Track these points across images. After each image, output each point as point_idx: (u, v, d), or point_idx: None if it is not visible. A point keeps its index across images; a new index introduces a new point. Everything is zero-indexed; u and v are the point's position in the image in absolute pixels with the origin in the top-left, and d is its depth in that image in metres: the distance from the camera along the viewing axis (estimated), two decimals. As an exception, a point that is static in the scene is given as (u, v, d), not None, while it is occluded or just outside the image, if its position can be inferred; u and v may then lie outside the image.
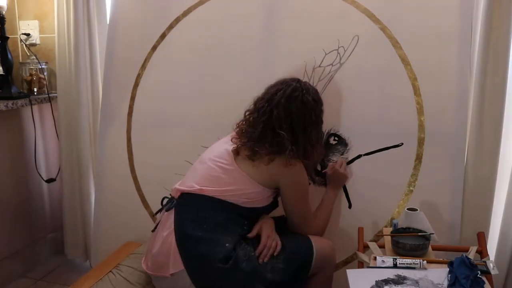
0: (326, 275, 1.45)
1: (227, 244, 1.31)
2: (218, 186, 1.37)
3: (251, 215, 1.43)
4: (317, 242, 1.43)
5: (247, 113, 1.48)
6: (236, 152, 1.41)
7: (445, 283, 1.23)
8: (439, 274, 1.26)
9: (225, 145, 1.47)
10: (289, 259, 1.36)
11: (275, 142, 1.38)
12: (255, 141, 1.39)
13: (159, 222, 1.44)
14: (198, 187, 1.38)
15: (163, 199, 1.50)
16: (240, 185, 1.38)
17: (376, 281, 1.23)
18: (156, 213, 1.49)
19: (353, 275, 1.27)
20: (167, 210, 1.40)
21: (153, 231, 1.45)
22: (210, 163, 1.42)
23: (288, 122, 1.40)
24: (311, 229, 1.48)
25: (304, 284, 1.43)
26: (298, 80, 1.48)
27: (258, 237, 1.40)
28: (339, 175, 1.61)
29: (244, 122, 1.47)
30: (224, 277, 1.29)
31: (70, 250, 2.27)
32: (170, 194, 1.47)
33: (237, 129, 1.48)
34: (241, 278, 1.29)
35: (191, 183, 1.41)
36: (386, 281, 1.23)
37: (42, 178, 2.25)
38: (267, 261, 1.33)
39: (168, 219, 1.38)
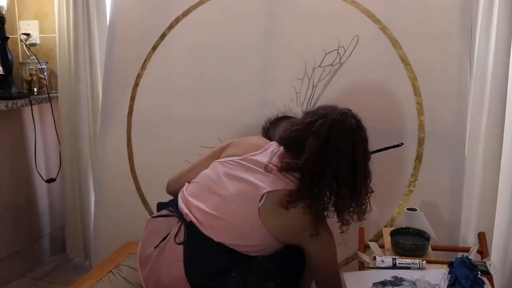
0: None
1: (235, 277, 1.23)
2: (236, 239, 1.21)
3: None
4: None
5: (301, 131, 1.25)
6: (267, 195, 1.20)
7: (442, 283, 1.23)
8: (436, 274, 1.26)
9: (256, 172, 1.24)
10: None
11: (315, 193, 1.19)
12: (300, 185, 1.19)
13: (164, 239, 1.28)
14: (213, 233, 1.21)
15: (161, 204, 1.39)
16: (259, 241, 1.22)
17: (374, 283, 1.22)
18: (156, 216, 1.34)
19: (350, 277, 1.27)
20: (178, 243, 1.25)
21: (156, 247, 1.29)
22: (233, 205, 1.23)
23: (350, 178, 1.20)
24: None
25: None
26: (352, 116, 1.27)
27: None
28: None
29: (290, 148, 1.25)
30: None
31: (71, 250, 2.27)
32: (172, 201, 1.35)
33: (281, 152, 1.26)
34: None
35: (205, 217, 1.24)
36: (384, 283, 1.23)
37: (42, 178, 2.25)
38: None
39: (176, 253, 1.25)
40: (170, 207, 1.35)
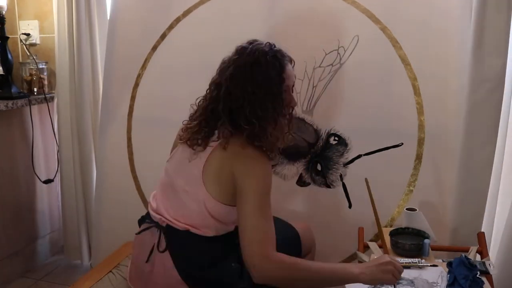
0: (312, 255, 1.50)
1: (232, 264, 1.25)
2: (206, 227, 1.23)
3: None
4: (300, 230, 1.45)
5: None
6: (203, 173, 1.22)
7: (440, 281, 1.23)
8: (433, 273, 1.27)
9: (189, 162, 1.26)
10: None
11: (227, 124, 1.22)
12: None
13: (151, 253, 1.28)
14: (185, 225, 1.23)
15: (139, 220, 1.37)
16: (224, 217, 1.23)
17: None
18: (140, 231, 1.34)
19: None
20: (162, 251, 1.25)
21: (147, 261, 1.28)
22: (186, 197, 1.24)
23: (243, 101, 1.25)
24: (268, 259, 1.12)
25: None
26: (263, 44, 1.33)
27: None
28: (385, 271, 1.10)
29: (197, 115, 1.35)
30: None
31: (70, 251, 2.27)
32: (149, 213, 1.34)
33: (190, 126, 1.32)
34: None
35: (175, 216, 1.25)
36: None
37: (39, 179, 2.24)
38: None
39: (166, 262, 1.25)
40: (147, 219, 1.35)
